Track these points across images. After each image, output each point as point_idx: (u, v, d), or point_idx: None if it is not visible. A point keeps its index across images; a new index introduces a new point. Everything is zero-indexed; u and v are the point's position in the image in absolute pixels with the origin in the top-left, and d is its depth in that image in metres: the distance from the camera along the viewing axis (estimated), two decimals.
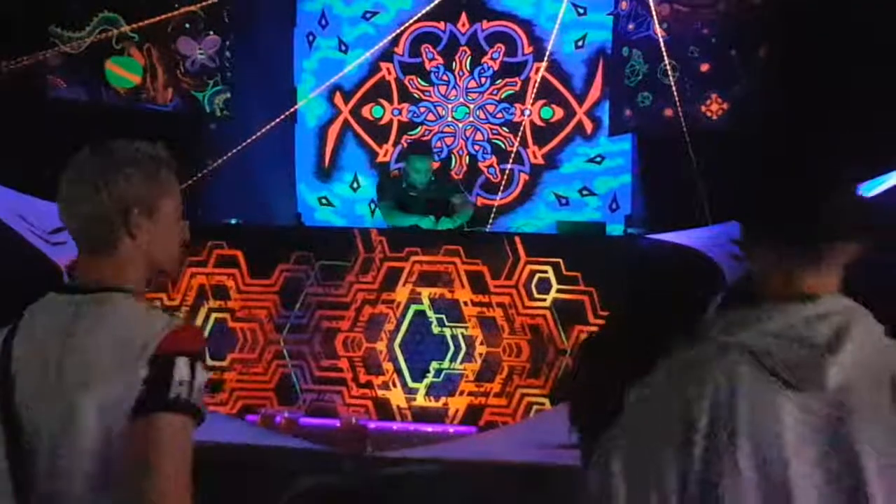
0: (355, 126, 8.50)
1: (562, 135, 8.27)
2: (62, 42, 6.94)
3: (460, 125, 8.41)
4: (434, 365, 5.77)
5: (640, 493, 1.53)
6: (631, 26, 7.30)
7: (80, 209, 1.82)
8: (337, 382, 5.79)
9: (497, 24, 8.39)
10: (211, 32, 7.38)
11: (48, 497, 1.74)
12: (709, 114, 6.91)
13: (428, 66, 8.46)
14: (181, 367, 1.71)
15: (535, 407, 5.68)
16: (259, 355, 5.83)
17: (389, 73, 8.48)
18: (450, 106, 8.42)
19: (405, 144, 8.37)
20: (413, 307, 5.82)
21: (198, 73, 7.39)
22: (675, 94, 6.78)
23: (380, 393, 5.78)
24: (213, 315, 5.85)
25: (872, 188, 5.18)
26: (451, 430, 5.67)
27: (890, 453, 1.46)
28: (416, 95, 8.46)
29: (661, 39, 6.89)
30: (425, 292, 5.81)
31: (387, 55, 8.41)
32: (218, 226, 6.33)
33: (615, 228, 7.62)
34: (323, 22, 8.55)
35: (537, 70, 8.06)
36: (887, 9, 5.66)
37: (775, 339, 1.51)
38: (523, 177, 8.33)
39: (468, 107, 8.41)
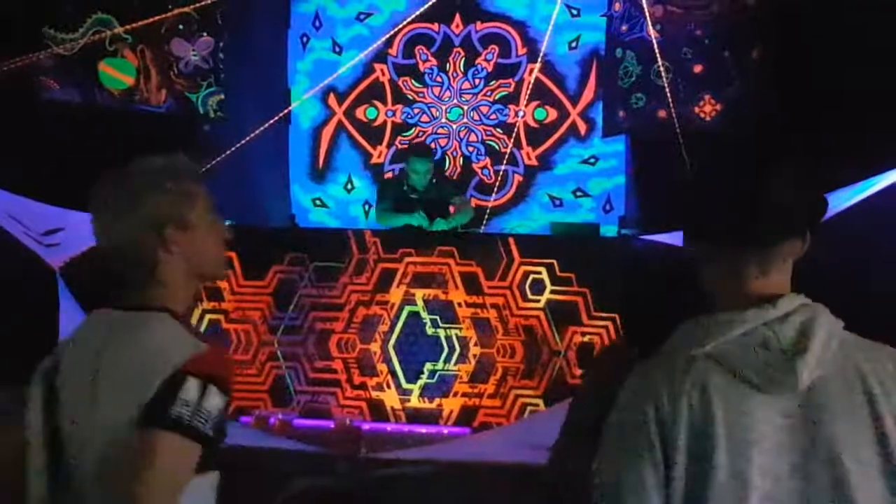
0: (349, 127, 8.50)
1: (555, 136, 8.28)
2: (55, 43, 6.92)
3: (454, 126, 8.41)
4: (428, 366, 5.78)
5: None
6: (624, 28, 7.31)
7: (113, 235, 1.80)
8: (331, 384, 5.80)
9: (491, 25, 8.40)
10: (204, 34, 7.37)
11: None
12: (702, 115, 6.92)
13: (422, 67, 8.46)
14: (190, 387, 1.68)
15: (529, 408, 5.69)
16: (253, 357, 5.83)
17: (383, 74, 8.48)
18: (444, 107, 8.43)
19: (399, 146, 8.37)
20: (407, 308, 5.82)
21: (191, 75, 7.38)
22: (669, 95, 6.79)
23: (374, 394, 5.78)
24: (207, 316, 5.85)
25: (865, 189, 5.20)
26: (445, 431, 5.68)
27: (867, 449, 1.47)
28: (410, 97, 8.46)
29: (654, 41, 6.90)
30: (419, 293, 5.82)
31: (381, 56, 8.42)
32: None
33: (609, 230, 7.63)
34: (317, 23, 8.55)
35: (531, 71, 8.07)
36: (880, 10, 5.68)
37: (740, 346, 1.52)
38: (517, 178, 8.34)
39: (462, 108, 8.41)
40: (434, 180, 6.70)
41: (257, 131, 7.12)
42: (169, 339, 1.76)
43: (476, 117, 8.40)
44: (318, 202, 8.49)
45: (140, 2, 7.08)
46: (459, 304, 5.79)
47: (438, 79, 8.44)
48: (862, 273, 5.07)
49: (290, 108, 8.11)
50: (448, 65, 8.42)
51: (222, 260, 1.95)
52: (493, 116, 8.38)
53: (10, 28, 6.59)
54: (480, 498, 4.37)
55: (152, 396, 1.67)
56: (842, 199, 5.24)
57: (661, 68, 6.85)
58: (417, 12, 7.68)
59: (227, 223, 1.96)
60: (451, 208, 6.55)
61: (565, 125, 8.27)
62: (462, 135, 8.41)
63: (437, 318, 5.81)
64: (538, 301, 5.77)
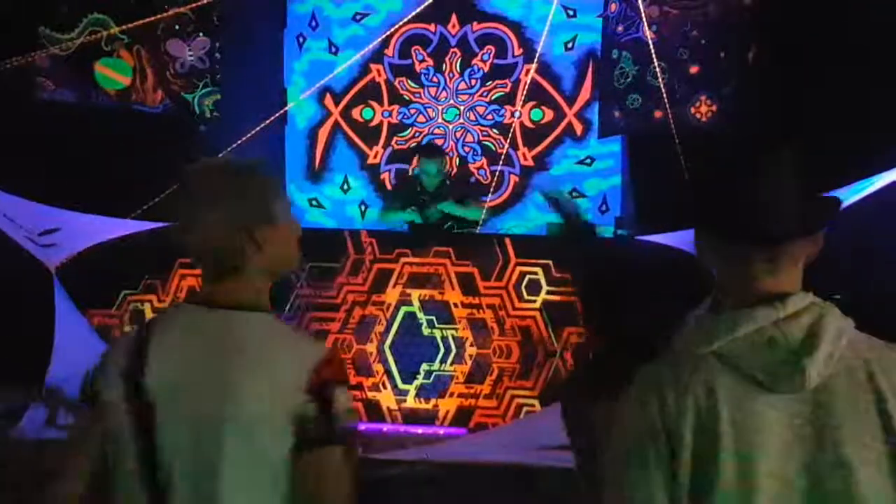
0: (345, 128, 8.50)
1: (552, 136, 8.28)
2: (51, 43, 6.92)
3: (450, 127, 8.41)
4: (424, 366, 5.78)
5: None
6: (620, 28, 7.31)
7: (206, 235, 1.81)
8: None
9: (487, 25, 8.40)
10: (200, 34, 7.36)
11: None
12: (698, 115, 6.92)
13: (418, 67, 8.45)
14: (341, 398, 1.77)
15: (525, 408, 5.69)
16: None
17: (379, 74, 8.47)
18: (440, 108, 8.42)
19: (395, 146, 8.38)
20: (403, 309, 5.82)
21: (187, 75, 7.37)
22: (665, 95, 6.79)
23: (370, 395, 5.78)
24: None
25: (862, 189, 5.20)
26: (441, 431, 5.68)
27: (875, 449, 1.47)
28: (406, 97, 8.45)
29: (650, 41, 6.91)
30: (415, 294, 5.82)
31: (377, 57, 8.41)
32: None
33: (605, 230, 7.63)
34: (313, 23, 8.55)
35: (527, 72, 8.07)
36: (877, 10, 5.69)
37: (748, 345, 1.51)
38: (513, 178, 8.34)
39: (458, 108, 8.41)
40: (448, 181, 6.71)
41: (253, 131, 7.11)
42: (292, 342, 1.84)
43: (472, 118, 8.40)
44: (314, 202, 8.49)
45: (136, 2, 7.08)
46: (455, 305, 5.79)
47: (435, 79, 8.44)
48: (860, 272, 5.08)
49: (286, 108, 8.10)
50: (444, 65, 8.42)
51: (297, 256, 1.97)
52: (489, 117, 8.38)
53: (6, 28, 6.59)
54: (476, 498, 4.38)
55: (313, 413, 1.73)
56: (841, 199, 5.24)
57: (657, 69, 6.86)
58: (414, 13, 7.68)
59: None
60: None
61: (561, 126, 8.27)
62: (458, 135, 8.41)
63: (434, 318, 5.80)
64: (534, 301, 5.77)
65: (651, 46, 6.89)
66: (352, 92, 8.49)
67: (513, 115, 8.23)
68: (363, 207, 8.36)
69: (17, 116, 6.31)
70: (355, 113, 8.49)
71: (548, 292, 5.76)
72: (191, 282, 5.87)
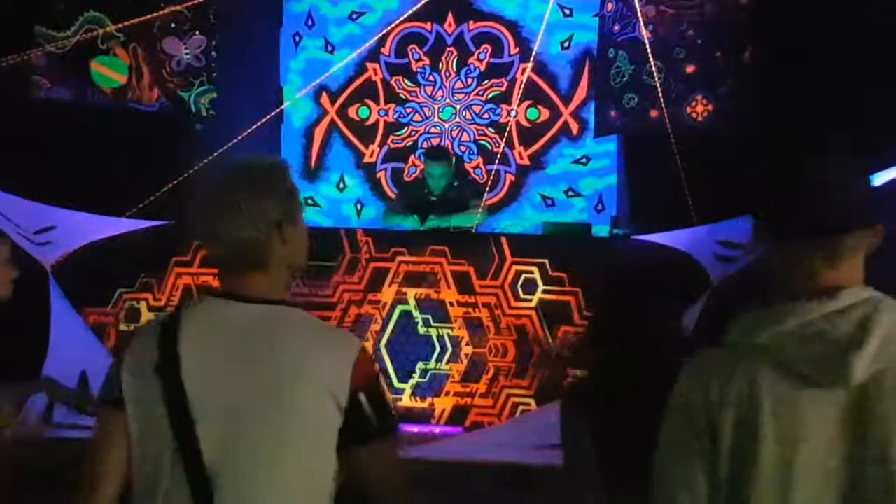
0: (342, 126, 8.50)
1: (548, 136, 8.28)
2: (47, 42, 6.91)
3: (447, 126, 8.41)
4: (420, 365, 5.78)
5: (671, 495, 1.54)
6: (616, 28, 7.31)
7: (235, 233, 1.84)
8: None
9: (483, 24, 8.40)
10: (197, 32, 7.35)
11: None
12: (694, 115, 6.93)
13: (414, 66, 8.45)
14: (385, 390, 1.89)
15: (520, 407, 5.69)
16: None
17: (376, 73, 8.47)
18: (436, 107, 8.42)
19: (391, 145, 8.38)
20: (399, 307, 5.82)
21: (184, 73, 7.36)
22: (661, 95, 6.79)
23: None
24: None
25: None
26: (436, 430, 5.68)
27: None
28: (402, 96, 8.45)
29: (646, 41, 6.91)
30: (411, 293, 5.82)
31: (373, 55, 8.40)
32: None
33: (601, 229, 7.63)
34: (309, 22, 8.54)
35: (523, 71, 8.06)
36: (873, 10, 5.69)
37: (796, 338, 1.50)
38: (509, 177, 8.34)
39: (454, 107, 8.41)
40: (455, 184, 6.71)
41: (249, 130, 7.10)
42: (331, 337, 1.90)
43: (468, 116, 8.40)
44: (310, 201, 8.47)
45: (132, 0, 7.06)
46: (451, 304, 5.79)
47: (431, 78, 8.43)
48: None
49: (282, 106, 8.09)
50: (440, 64, 8.41)
51: (307, 253, 2.02)
52: (485, 116, 8.38)
53: (2, 26, 6.57)
54: (472, 497, 4.38)
55: (370, 409, 1.80)
56: None
57: (654, 68, 6.86)
58: (410, 11, 7.67)
59: None
60: None
61: (557, 125, 8.27)
62: (454, 134, 8.41)
63: (429, 317, 5.81)
64: (530, 301, 5.77)
65: (647, 46, 6.89)
66: (348, 90, 8.49)
67: (509, 114, 8.23)
68: (359, 206, 8.35)
69: (13, 115, 6.30)
70: (351, 111, 8.49)
71: (544, 291, 5.76)
72: (186, 280, 5.86)
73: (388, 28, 8.08)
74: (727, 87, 6.84)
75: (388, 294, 5.83)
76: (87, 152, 6.47)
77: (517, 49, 8.33)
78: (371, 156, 8.47)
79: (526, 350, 5.73)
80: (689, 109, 6.94)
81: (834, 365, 1.47)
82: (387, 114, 8.46)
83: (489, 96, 8.37)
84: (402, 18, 7.89)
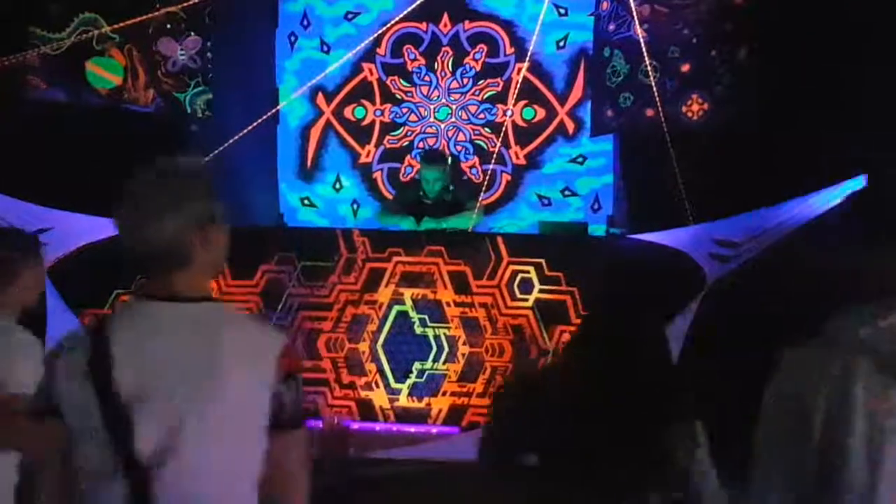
0: (337, 127, 8.49)
1: (544, 135, 8.28)
2: (42, 43, 6.89)
3: (442, 126, 8.41)
4: (417, 365, 5.78)
5: (765, 479, 1.54)
6: (612, 27, 7.31)
7: (156, 234, 1.88)
8: (320, 383, 5.79)
9: (479, 24, 8.39)
10: (192, 33, 7.34)
11: None
12: (689, 114, 6.93)
13: (410, 66, 8.45)
14: (301, 385, 1.93)
15: None
16: None
17: (371, 73, 8.47)
18: (432, 107, 8.42)
19: (387, 145, 8.37)
20: (396, 308, 5.82)
21: (179, 74, 7.35)
22: (656, 94, 6.80)
23: (363, 394, 5.77)
24: None
25: (844, 192, 5.22)
26: (433, 430, 5.68)
27: None
28: (398, 96, 8.45)
29: (642, 40, 6.91)
30: (408, 293, 5.82)
31: (369, 56, 8.39)
32: None
33: (597, 229, 7.63)
34: (305, 22, 8.53)
35: (519, 70, 8.05)
36: (869, 9, 5.70)
37: (891, 334, 1.51)
38: (505, 177, 8.33)
39: (450, 107, 8.40)
40: (451, 187, 6.70)
41: (245, 131, 7.09)
42: (258, 331, 1.97)
43: (464, 116, 8.40)
44: (306, 202, 8.47)
45: (127, 1, 7.05)
46: (448, 304, 5.79)
47: (427, 78, 8.43)
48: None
49: (278, 107, 8.08)
50: (436, 64, 8.41)
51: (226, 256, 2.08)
52: (481, 116, 8.38)
53: None
54: (469, 497, 4.37)
55: (288, 400, 1.88)
56: (832, 198, 5.27)
57: (649, 67, 6.86)
58: (406, 11, 7.67)
59: None
60: None
61: (553, 124, 8.27)
62: (450, 134, 8.40)
63: (426, 317, 5.80)
64: (526, 300, 5.77)
65: (643, 45, 6.90)
66: (344, 91, 8.48)
67: (505, 113, 8.22)
68: (355, 206, 8.35)
69: (8, 116, 6.29)
70: (347, 112, 8.48)
71: (540, 291, 5.76)
72: None
73: (384, 28, 8.07)
74: (722, 85, 6.85)
75: (384, 294, 5.83)
76: (83, 153, 6.45)
77: (513, 49, 8.33)
78: (367, 156, 8.46)
79: (523, 350, 5.72)
80: (684, 108, 6.94)
81: None
82: (383, 114, 8.46)
83: (485, 96, 8.36)
84: (397, 18, 7.87)
